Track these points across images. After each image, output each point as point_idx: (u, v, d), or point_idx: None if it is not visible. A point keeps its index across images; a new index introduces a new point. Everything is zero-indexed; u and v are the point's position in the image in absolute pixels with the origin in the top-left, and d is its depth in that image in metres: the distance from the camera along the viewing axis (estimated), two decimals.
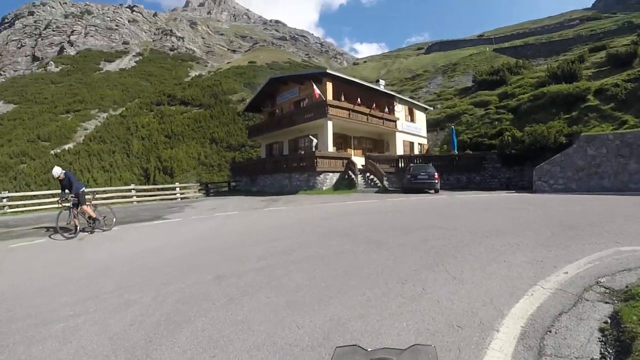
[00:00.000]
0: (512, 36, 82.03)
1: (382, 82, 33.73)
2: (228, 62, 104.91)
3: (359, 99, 24.29)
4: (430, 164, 19.72)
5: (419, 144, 32.05)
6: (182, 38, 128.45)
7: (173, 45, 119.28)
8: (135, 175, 44.80)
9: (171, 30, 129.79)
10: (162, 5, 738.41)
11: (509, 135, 22.59)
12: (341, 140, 25.71)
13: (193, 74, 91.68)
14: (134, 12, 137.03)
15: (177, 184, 25.59)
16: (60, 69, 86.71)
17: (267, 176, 25.22)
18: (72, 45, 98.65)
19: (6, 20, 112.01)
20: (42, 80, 79.37)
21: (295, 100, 27.14)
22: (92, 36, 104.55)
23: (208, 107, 63.08)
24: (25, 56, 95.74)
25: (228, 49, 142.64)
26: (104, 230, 9.45)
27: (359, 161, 23.21)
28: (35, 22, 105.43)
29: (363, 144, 27.94)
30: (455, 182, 22.36)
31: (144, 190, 24.24)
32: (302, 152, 23.12)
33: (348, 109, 23.65)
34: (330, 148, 22.54)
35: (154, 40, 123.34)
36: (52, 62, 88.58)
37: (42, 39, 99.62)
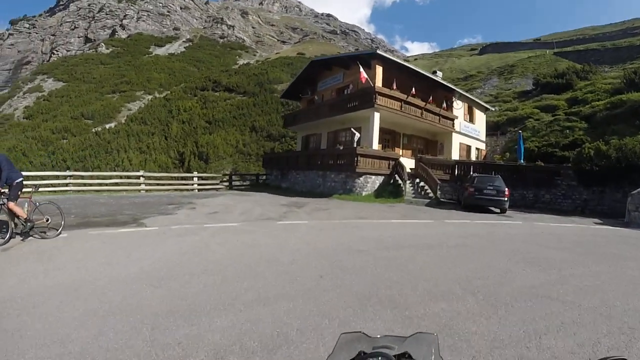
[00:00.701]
0: (572, 41, 73.61)
1: (439, 73, 29.32)
2: (277, 53, 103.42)
3: (413, 89, 20.45)
4: (499, 176, 15.69)
5: (476, 148, 27.65)
6: (233, 27, 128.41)
7: (223, 34, 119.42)
8: (171, 158, 43.64)
9: (222, 19, 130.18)
10: None
11: (590, 147, 17.87)
12: (388, 137, 22.01)
13: (241, 62, 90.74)
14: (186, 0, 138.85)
15: (195, 174, 23.19)
16: (110, 51, 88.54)
17: (299, 172, 22.07)
18: (123, 29, 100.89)
19: (61, 3, 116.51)
20: (92, 61, 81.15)
21: (338, 87, 23.66)
22: (143, 21, 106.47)
23: (252, 95, 61.42)
24: (78, 37, 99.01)
25: (278, 40, 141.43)
26: (43, 237, 6.63)
27: (408, 164, 19.34)
28: (89, 5, 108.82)
29: (413, 143, 24.07)
30: (519, 198, 18.06)
31: (156, 178, 22.12)
32: (341, 148, 19.56)
33: (400, 100, 19.86)
34: (375, 145, 18.97)
35: (204, 28, 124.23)
36: (103, 44, 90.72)
37: (95, 22, 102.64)
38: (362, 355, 0.93)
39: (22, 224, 6.49)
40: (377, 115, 18.97)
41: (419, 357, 0.95)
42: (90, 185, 18.61)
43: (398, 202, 15.79)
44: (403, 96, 19.99)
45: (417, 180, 18.21)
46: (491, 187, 14.53)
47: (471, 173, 17.79)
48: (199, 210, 11.53)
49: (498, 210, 14.58)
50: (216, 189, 22.42)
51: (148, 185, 19.85)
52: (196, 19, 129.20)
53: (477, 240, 7.73)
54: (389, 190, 17.33)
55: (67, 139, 48.74)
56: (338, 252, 6.05)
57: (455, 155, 24.11)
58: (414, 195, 17.02)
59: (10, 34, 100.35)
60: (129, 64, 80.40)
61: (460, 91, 25.96)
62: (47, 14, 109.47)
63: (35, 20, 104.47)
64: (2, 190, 6.29)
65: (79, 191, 17.59)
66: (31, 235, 6.64)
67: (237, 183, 25.08)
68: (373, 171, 17.59)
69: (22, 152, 44.34)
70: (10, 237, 6.25)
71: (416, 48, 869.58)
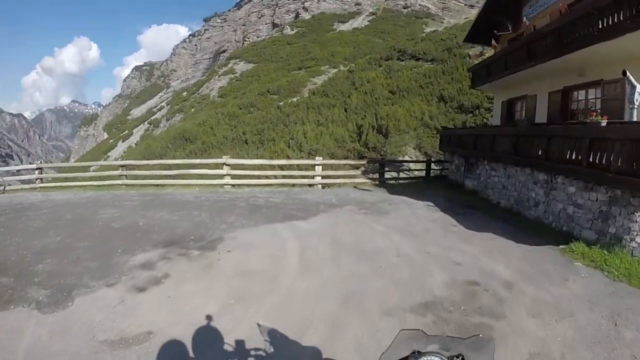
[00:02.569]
0: None
1: None
2: (465, 18, 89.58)
3: None
4: None
5: None
6: None
7: (406, 3, 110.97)
8: (348, 131, 38.34)
9: None
10: None
11: None
12: None
13: (427, 30, 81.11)
14: None
15: (318, 160, 15.60)
16: (295, 32, 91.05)
17: (496, 166, 12.34)
18: (306, 11, 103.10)
19: None
20: (279, 42, 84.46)
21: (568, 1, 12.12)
22: (324, 1, 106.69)
23: (440, 62, 51.79)
24: (265, 24, 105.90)
25: (465, 4, 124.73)
26: None
27: None
28: None
29: None
30: None
31: (242, 167, 16.75)
32: (603, 124, 7.87)
33: None
34: None
35: (386, 0, 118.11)
36: (288, 27, 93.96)
37: (278, 8, 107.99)
38: (416, 354, 0.93)
39: None
40: None
41: None
42: (147, 178, 15.93)
43: None
44: None
45: None
46: None
47: None
48: (244, 266, 6.25)
49: None
50: (355, 184, 15.80)
51: (236, 179, 14.97)
52: None
53: None
54: None
55: (252, 113, 49.39)
56: None
57: None
58: None
59: (205, 30, 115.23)
60: (314, 41, 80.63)
61: None
62: (235, 8, 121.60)
63: (226, 15, 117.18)
64: None
65: (134, 185, 15.38)
66: None
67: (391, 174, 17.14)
68: None
69: (209, 126, 46.40)
70: None
71: None
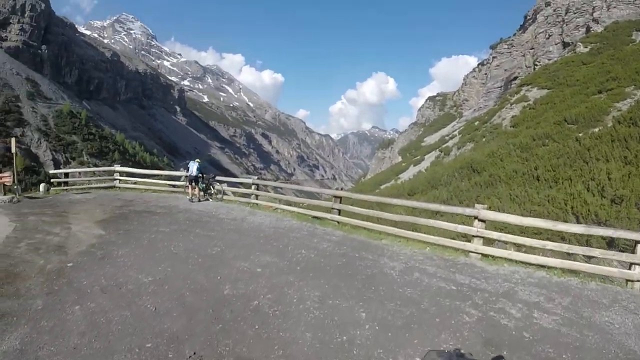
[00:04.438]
0: None
1: None
2: None
3: None
4: None
5: None
6: None
7: None
8: None
9: None
10: None
11: None
12: None
13: None
14: None
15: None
16: (589, 49, 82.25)
17: None
18: (597, 23, 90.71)
19: (528, 17, 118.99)
20: (572, 63, 78.47)
21: None
22: (615, 7, 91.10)
23: None
24: (555, 44, 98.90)
25: None
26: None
27: None
28: (554, 10, 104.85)
29: None
30: None
31: (503, 225, 12.84)
32: None
33: None
34: None
35: None
36: (580, 44, 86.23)
37: (565, 25, 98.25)
38: None
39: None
40: None
41: None
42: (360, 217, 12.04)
43: None
44: None
45: None
46: None
47: None
48: None
49: None
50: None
51: (489, 244, 9.91)
52: None
53: None
54: None
55: (547, 145, 50.05)
56: None
57: None
58: None
59: (493, 57, 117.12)
60: (612, 57, 71.51)
61: None
62: (520, 32, 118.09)
63: (512, 40, 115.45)
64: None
65: (344, 224, 12.11)
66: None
67: None
68: None
69: (499, 157, 48.51)
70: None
71: None
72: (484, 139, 74.93)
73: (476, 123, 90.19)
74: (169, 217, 12.57)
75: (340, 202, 12.13)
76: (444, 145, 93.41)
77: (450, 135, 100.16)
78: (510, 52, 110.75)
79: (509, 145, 55.21)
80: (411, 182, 72.28)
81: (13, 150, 21.83)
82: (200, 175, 16.59)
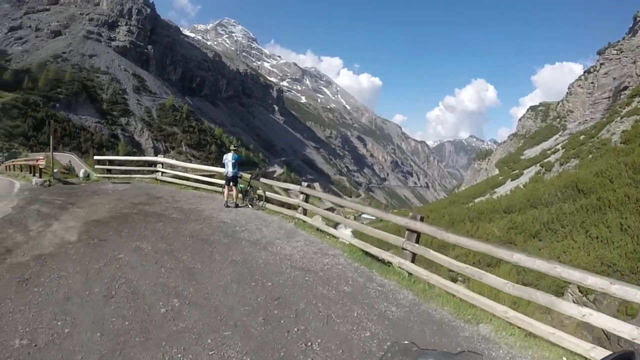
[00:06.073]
0: None
1: None
2: None
3: None
4: None
5: None
6: None
7: None
8: None
9: None
10: None
11: None
12: None
13: None
14: None
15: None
16: None
17: None
18: None
19: (638, 19, 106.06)
20: None
21: None
22: None
23: None
24: None
25: None
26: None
27: None
28: None
29: None
30: None
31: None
32: None
33: None
34: None
35: None
36: None
37: None
38: None
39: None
40: None
41: None
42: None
43: None
44: None
45: None
46: None
47: None
48: None
49: None
50: None
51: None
52: None
53: None
54: None
55: None
56: None
57: None
58: None
59: (601, 64, 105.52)
60: None
61: None
62: (629, 35, 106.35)
63: (621, 45, 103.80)
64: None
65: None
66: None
67: None
68: None
69: (609, 178, 45.81)
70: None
71: None
72: (590, 156, 69.55)
73: (582, 137, 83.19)
74: (176, 226, 9.59)
75: (416, 241, 7.20)
76: (545, 160, 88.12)
77: (552, 149, 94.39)
78: (619, 58, 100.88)
79: (620, 165, 51.52)
80: (508, 198, 69.07)
81: (51, 135, 21.51)
82: (239, 175, 12.54)
